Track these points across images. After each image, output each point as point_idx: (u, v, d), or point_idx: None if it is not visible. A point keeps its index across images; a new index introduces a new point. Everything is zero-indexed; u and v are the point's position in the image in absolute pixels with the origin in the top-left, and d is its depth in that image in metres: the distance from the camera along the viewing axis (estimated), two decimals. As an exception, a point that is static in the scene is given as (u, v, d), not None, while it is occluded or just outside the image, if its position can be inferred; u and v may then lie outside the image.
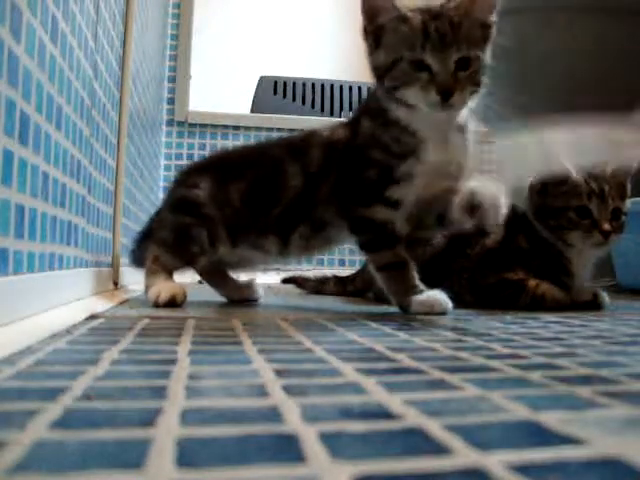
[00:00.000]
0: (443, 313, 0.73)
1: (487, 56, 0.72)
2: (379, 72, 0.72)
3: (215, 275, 0.97)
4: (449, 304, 0.74)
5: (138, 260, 0.94)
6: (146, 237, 0.93)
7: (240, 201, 0.84)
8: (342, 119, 0.84)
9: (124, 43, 1.08)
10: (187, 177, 0.91)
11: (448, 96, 0.67)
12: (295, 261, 0.95)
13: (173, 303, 0.77)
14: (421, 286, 0.75)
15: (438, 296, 0.74)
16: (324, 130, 0.83)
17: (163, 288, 0.78)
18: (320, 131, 0.84)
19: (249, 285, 0.97)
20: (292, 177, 0.81)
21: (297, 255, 0.88)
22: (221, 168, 0.89)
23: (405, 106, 0.71)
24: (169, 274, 0.83)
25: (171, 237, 0.85)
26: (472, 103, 0.72)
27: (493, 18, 0.72)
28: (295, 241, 0.83)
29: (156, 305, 0.77)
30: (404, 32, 0.69)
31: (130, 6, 1.09)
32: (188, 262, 0.85)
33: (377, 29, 0.71)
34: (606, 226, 0.87)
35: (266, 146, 0.94)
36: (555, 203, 0.91)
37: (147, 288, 0.81)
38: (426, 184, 0.74)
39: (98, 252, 0.92)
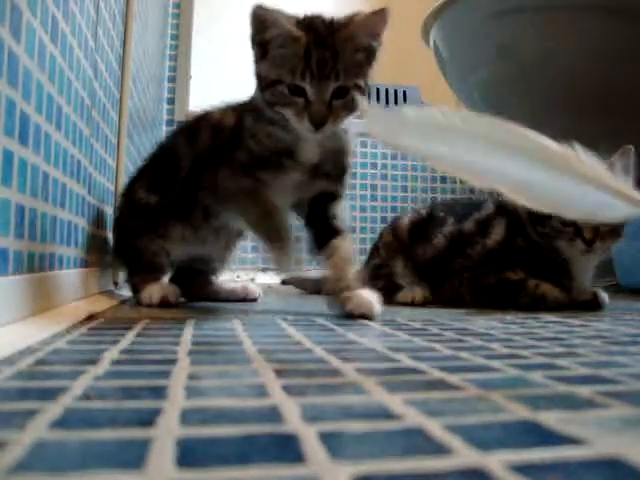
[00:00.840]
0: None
1: (369, 79, 0.73)
2: (261, 83, 0.73)
3: (194, 286, 0.96)
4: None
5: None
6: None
7: (145, 193, 0.86)
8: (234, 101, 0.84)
9: (124, 43, 1.08)
10: (117, 208, 0.95)
11: (320, 126, 0.69)
12: (230, 248, 0.95)
13: (166, 302, 0.77)
14: None
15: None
16: (215, 112, 0.85)
17: (153, 289, 0.79)
18: (212, 113, 0.85)
19: (243, 286, 0.98)
20: (184, 158, 0.83)
21: (217, 243, 0.89)
22: (131, 181, 0.93)
23: (282, 119, 0.72)
24: (154, 280, 0.82)
25: (128, 263, 0.88)
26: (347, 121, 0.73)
27: (379, 42, 0.72)
28: (200, 224, 0.84)
29: (150, 306, 0.77)
30: (287, 54, 0.69)
31: (130, 6, 1.09)
32: (154, 270, 0.85)
33: (264, 41, 0.71)
34: (588, 234, 0.86)
35: (170, 134, 0.96)
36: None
37: (137, 296, 0.81)
38: (300, 181, 0.77)
39: (98, 252, 0.92)
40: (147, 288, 0.80)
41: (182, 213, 0.84)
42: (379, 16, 0.70)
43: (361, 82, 0.71)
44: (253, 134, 0.76)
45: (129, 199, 0.89)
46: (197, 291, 0.96)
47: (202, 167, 0.80)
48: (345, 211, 0.81)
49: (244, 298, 0.96)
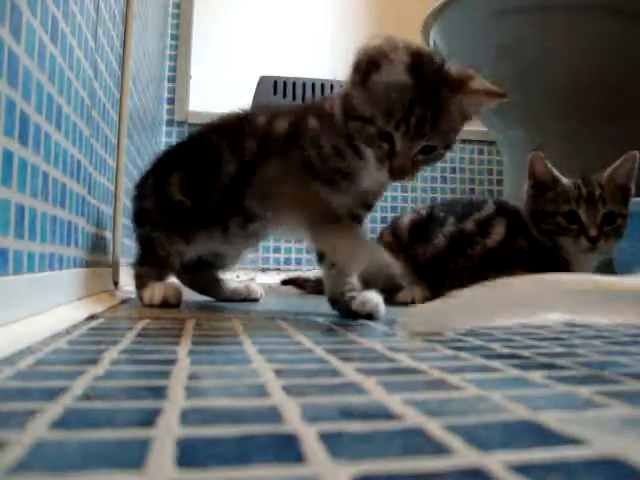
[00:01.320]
0: None
1: (452, 144, 0.69)
2: (349, 108, 0.68)
3: (200, 281, 0.96)
4: None
5: None
6: None
7: (180, 193, 0.83)
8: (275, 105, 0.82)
9: (124, 43, 1.08)
10: (140, 188, 0.91)
11: (398, 177, 0.66)
12: (249, 249, 0.95)
13: (167, 303, 0.77)
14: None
15: None
16: (260, 116, 0.81)
17: (156, 289, 0.79)
18: (256, 116, 0.82)
19: (246, 285, 0.98)
20: (226, 164, 0.80)
21: (242, 244, 0.88)
22: (161, 166, 0.89)
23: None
24: (158, 278, 0.82)
25: (140, 251, 0.87)
26: None
27: (476, 113, 0.70)
28: (234, 230, 0.82)
29: (151, 306, 0.77)
30: (391, 95, 0.63)
31: (130, 6, 1.09)
32: (163, 267, 0.84)
33: (370, 70, 0.64)
34: (593, 232, 0.86)
35: (202, 133, 0.91)
36: (546, 207, 0.91)
37: (139, 293, 0.82)
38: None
39: (98, 252, 0.92)
40: (150, 286, 0.79)
41: (218, 219, 0.82)
42: (495, 98, 0.66)
43: (449, 143, 0.68)
44: (318, 144, 0.72)
45: (160, 191, 0.85)
46: (201, 286, 0.97)
47: (250, 175, 0.78)
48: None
49: (246, 298, 0.96)
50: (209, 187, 0.81)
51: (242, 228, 0.82)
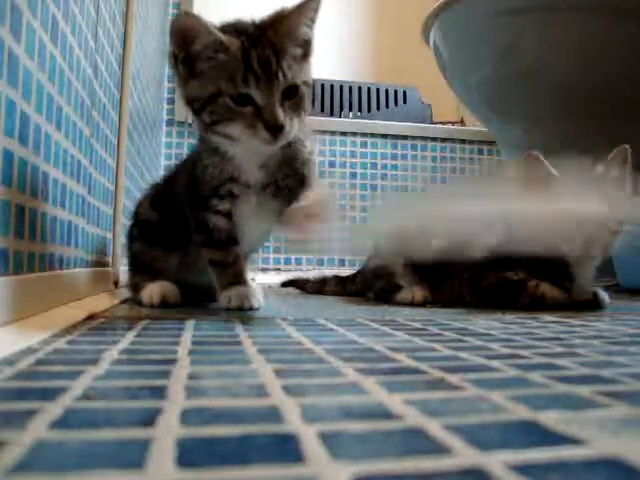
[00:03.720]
0: (250, 309, 0.74)
1: (309, 75, 0.67)
2: (195, 105, 0.65)
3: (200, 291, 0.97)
4: (259, 301, 0.76)
5: None
6: None
7: (151, 210, 0.86)
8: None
9: (124, 43, 1.08)
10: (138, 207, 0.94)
11: (278, 132, 0.62)
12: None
13: (166, 302, 0.77)
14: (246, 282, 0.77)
15: (247, 291, 0.75)
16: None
17: (154, 289, 0.79)
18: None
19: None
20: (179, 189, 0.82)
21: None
22: (152, 190, 0.92)
23: (227, 138, 0.66)
24: (153, 280, 0.82)
25: (131, 261, 0.88)
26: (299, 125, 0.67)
27: (313, 31, 0.67)
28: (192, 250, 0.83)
29: (151, 305, 0.77)
30: (222, 62, 0.62)
31: (130, 6, 1.09)
32: (154, 271, 0.84)
33: (190, 57, 0.63)
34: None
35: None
36: None
37: (137, 295, 0.81)
38: (262, 204, 0.74)
39: (98, 252, 0.92)
40: (148, 287, 0.79)
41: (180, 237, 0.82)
42: (312, 1, 0.64)
43: (308, 78, 0.66)
44: (204, 166, 0.73)
45: (135, 212, 0.90)
46: (203, 294, 0.96)
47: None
48: None
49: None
50: (168, 206, 0.84)
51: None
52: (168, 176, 0.90)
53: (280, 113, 0.62)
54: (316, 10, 0.66)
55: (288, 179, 0.73)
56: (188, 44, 0.63)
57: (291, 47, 0.64)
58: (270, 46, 0.62)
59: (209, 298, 0.90)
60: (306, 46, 0.67)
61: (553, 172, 0.92)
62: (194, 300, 0.90)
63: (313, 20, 0.66)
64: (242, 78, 0.61)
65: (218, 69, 0.62)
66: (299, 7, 0.64)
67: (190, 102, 0.66)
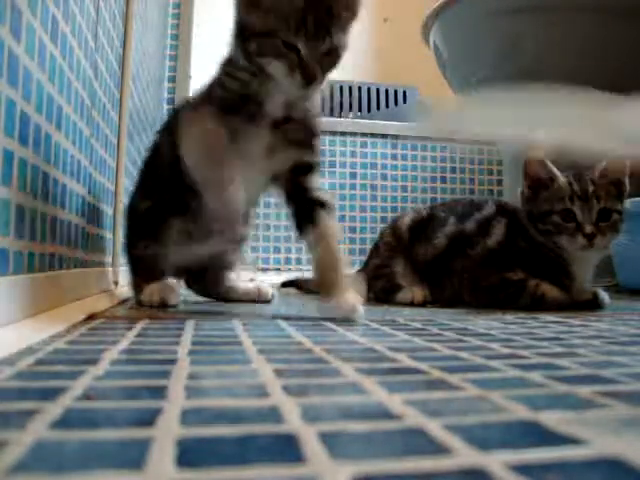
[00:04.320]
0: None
1: (348, 39, 0.72)
2: (246, 32, 0.71)
3: (209, 287, 0.97)
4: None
5: None
6: None
7: (143, 201, 0.85)
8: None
9: (124, 43, 1.08)
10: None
11: (311, 81, 0.68)
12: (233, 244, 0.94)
13: (165, 303, 0.77)
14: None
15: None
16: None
17: (154, 289, 0.79)
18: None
19: (258, 287, 0.97)
20: (167, 154, 0.80)
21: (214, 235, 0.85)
22: (138, 182, 0.91)
23: (265, 71, 0.70)
24: (153, 280, 0.82)
25: (131, 264, 0.87)
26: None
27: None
28: (197, 222, 0.82)
29: (150, 306, 0.77)
30: (285, 8, 0.67)
31: (130, 6, 1.09)
32: (154, 270, 0.84)
33: None
34: (588, 229, 0.86)
35: (153, 139, 0.93)
36: (541, 207, 0.91)
37: (137, 296, 0.81)
38: (270, 143, 0.75)
39: (98, 252, 0.92)
40: (148, 287, 0.79)
41: (177, 210, 0.81)
42: None
43: (346, 42, 0.71)
44: (222, 83, 0.75)
45: (129, 209, 0.89)
46: (210, 289, 0.97)
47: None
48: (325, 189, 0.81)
49: (256, 299, 0.95)
50: (159, 181, 0.83)
51: (200, 213, 0.78)
52: (148, 163, 0.89)
53: (317, 67, 0.68)
54: None
55: (298, 127, 0.76)
56: None
57: (344, 13, 0.70)
58: (326, 10, 0.68)
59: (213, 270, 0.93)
60: (354, 12, 0.72)
61: (555, 172, 0.92)
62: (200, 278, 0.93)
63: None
64: (295, 29, 0.67)
65: (279, 12, 0.67)
66: None
67: (241, 26, 0.72)
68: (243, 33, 0.71)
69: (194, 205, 0.78)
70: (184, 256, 0.88)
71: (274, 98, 0.74)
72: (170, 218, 0.82)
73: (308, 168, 0.77)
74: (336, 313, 0.67)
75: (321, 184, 0.79)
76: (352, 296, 0.69)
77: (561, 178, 0.90)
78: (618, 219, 0.89)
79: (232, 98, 0.73)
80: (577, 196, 0.87)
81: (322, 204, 0.75)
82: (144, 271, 0.84)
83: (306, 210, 0.75)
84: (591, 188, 0.88)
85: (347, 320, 0.66)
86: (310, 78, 0.68)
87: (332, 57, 0.70)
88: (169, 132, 0.82)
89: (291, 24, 0.67)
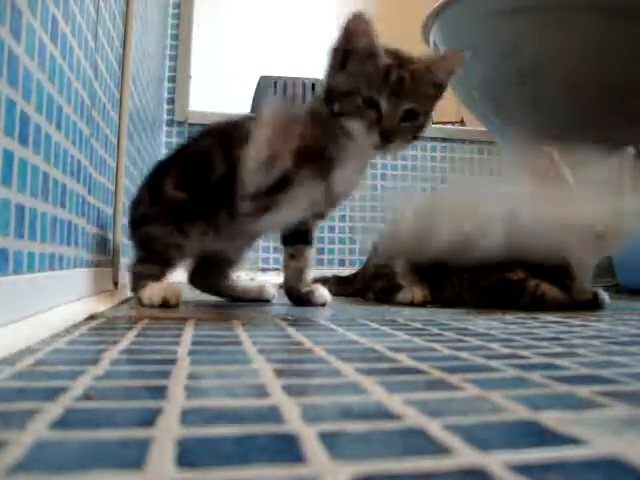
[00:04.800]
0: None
1: (432, 113, 0.77)
2: (331, 93, 0.75)
3: (213, 284, 0.98)
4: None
5: None
6: None
7: (174, 188, 0.86)
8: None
9: (124, 43, 1.08)
10: (134, 202, 0.94)
11: (389, 140, 0.72)
12: (245, 247, 0.99)
13: (166, 304, 0.77)
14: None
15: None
16: (249, 123, 0.83)
17: (155, 289, 0.79)
18: (246, 122, 0.84)
19: (260, 285, 0.99)
20: (217, 163, 0.84)
21: (234, 239, 0.91)
22: (154, 175, 0.93)
23: (345, 130, 0.74)
24: (158, 277, 0.83)
25: (138, 251, 0.88)
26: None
27: (448, 80, 0.77)
28: (223, 223, 0.85)
29: (151, 306, 0.77)
30: (369, 67, 0.72)
31: (130, 6, 1.09)
32: (163, 262, 0.85)
33: (347, 52, 0.73)
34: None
35: (198, 136, 0.95)
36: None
37: (138, 293, 0.81)
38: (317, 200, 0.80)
39: (98, 252, 0.92)
40: (149, 287, 0.79)
41: (208, 214, 0.84)
42: (458, 57, 0.76)
43: (430, 111, 0.75)
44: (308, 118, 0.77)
45: (155, 190, 0.89)
46: (213, 284, 0.98)
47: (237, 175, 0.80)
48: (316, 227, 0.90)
49: (258, 298, 0.96)
50: (201, 183, 0.85)
51: (229, 222, 0.84)
52: (191, 158, 0.89)
53: (395, 126, 0.72)
54: (460, 64, 0.76)
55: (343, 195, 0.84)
56: (351, 39, 0.73)
57: (428, 84, 0.74)
58: (410, 73, 0.72)
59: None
60: (438, 90, 0.76)
61: (566, 175, 0.91)
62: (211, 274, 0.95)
63: (454, 72, 0.77)
64: (377, 86, 0.71)
65: (363, 72, 0.72)
66: (447, 57, 0.77)
67: (329, 88, 0.76)
68: (330, 95, 0.75)
69: (226, 214, 0.83)
70: (197, 252, 0.90)
71: (347, 160, 0.77)
72: (199, 217, 0.84)
73: (322, 217, 0.88)
74: (317, 300, 0.86)
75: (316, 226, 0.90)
76: (322, 288, 0.88)
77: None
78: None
79: (308, 144, 0.75)
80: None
81: (310, 242, 0.88)
82: (154, 258, 0.84)
83: (297, 239, 0.87)
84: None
85: (323, 305, 0.86)
86: (389, 135, 0.71)
87: (413, 123, 0.73)
88: (224, 146, 0.84)
89: (373, 80, 0.71)
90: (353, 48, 0.73)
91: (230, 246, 0.93)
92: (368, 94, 0.71)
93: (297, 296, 0.88)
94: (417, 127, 0.74)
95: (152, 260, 0.84)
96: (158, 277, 0.82)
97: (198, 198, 0.84)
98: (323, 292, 0.88)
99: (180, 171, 0.88)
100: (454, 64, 0.76)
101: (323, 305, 0.86)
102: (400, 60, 0.73)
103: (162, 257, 0.84)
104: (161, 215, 0.85)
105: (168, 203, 0.85)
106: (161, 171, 0.91)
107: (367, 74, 0.71)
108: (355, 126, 0.73)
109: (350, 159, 0.78)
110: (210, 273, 0.97)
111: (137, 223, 0.90)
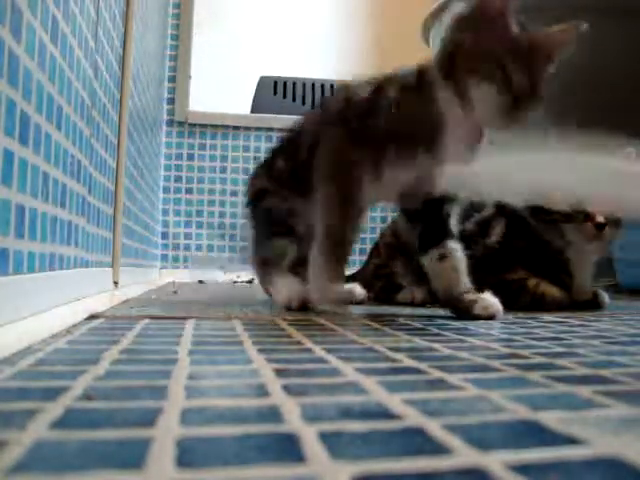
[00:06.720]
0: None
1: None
2: (460, 50, 0.69)
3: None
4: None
5: None
6: None
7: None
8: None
9: (124, 43, 1.08)
10: (252, 177, 0.95)
11: (519, 106, 0.69)
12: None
13: (306, 307, 0.75)
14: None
15: None
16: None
17: (292, 291, 0.76)
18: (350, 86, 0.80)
19: (350, 290, 0.95)
20: (307, 134, 0.81)
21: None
22: (269, 157, 0.93)
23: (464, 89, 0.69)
24: (285, 272, 0.80)
25: (258, 230, 0.87)
26: None
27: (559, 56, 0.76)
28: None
29: (288, 309, 0.76)
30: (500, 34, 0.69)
31: (130, 6, 1.09)
32: (288, 234, 0.82)
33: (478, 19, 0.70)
34: (599, 218, 0.85)
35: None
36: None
37: (268, 288, 0.81)
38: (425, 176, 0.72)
39: (98, 252, 0.92)
40: (280, 284, 0.78)
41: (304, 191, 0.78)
42: (569, 32, 0.77)
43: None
44: (393, 103, 0.70)
45: (270, 167, 0.89)
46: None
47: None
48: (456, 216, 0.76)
49: (353, 301, 0.93)
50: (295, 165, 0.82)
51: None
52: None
53: (529, 94, 0.72)
54: (569, 42, 0.77)
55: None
56: (485, 13, 0.71)
57: (544, 58, 0.73)
58: (533, 45, 0.73)
59: None
60: (551, 64, 0.75)
61: None
62: None
63: (563, 47, 0.78)
64: (510, 55, 0.69)
65: (494, 36, 0.70)
66: (557, 35, 0.77)
67: (452, 43, 0.72)
68: (449, 51, 0.70)
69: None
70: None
71: (456, 130, 0.69)
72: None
73: (451, 198, 0.76)
74: (483, 313, 0.69)
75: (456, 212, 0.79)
76: (489, 296, 0.72)
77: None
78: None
79: (401, 126, 0.70)
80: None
81: (451, 235, 0.76)
82: (279, 232, 0.82)
83: (433, 234, 0.75)
84: None
85: (492, 319, 0.69)
86: (520, 110, 0.68)
87: (536, 96, 0.70)
88: (319, 116, 0.82)
89: (506, 48, 0.67)
90: (485, 16, 0.70)
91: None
92: (501, 61, 0.67)
93: (455, 306, 0.73)
94: (539, 99, 0.72)
95: (277, 234, 0.82)
96: (284, 271, 0.80)
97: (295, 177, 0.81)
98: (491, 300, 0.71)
99: (285, 154, 0.87)
100: (565, 39, 0.76)
101: (491, 318, 0.69)
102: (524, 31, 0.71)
103: (286, 227, 0.82)
104: (280, 181, 0.84)
105: (281, 174, 0.84)
106: (274, 153, 0.91)
107: (498, 39, 0.68)
108: (483, 90, 0.67)
109: (463, 129, 0.71)
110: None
111: (258, 196, 0.88)
